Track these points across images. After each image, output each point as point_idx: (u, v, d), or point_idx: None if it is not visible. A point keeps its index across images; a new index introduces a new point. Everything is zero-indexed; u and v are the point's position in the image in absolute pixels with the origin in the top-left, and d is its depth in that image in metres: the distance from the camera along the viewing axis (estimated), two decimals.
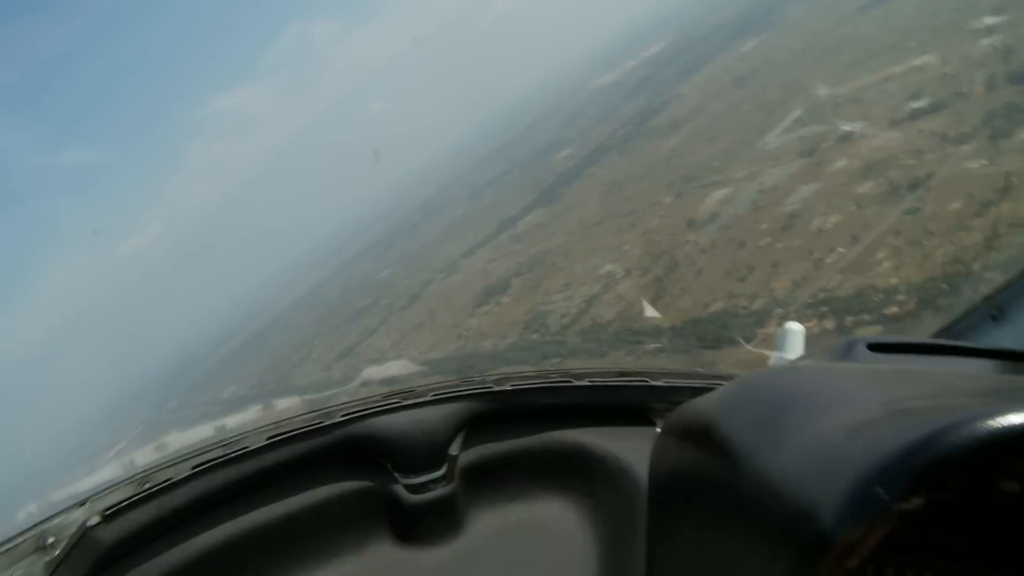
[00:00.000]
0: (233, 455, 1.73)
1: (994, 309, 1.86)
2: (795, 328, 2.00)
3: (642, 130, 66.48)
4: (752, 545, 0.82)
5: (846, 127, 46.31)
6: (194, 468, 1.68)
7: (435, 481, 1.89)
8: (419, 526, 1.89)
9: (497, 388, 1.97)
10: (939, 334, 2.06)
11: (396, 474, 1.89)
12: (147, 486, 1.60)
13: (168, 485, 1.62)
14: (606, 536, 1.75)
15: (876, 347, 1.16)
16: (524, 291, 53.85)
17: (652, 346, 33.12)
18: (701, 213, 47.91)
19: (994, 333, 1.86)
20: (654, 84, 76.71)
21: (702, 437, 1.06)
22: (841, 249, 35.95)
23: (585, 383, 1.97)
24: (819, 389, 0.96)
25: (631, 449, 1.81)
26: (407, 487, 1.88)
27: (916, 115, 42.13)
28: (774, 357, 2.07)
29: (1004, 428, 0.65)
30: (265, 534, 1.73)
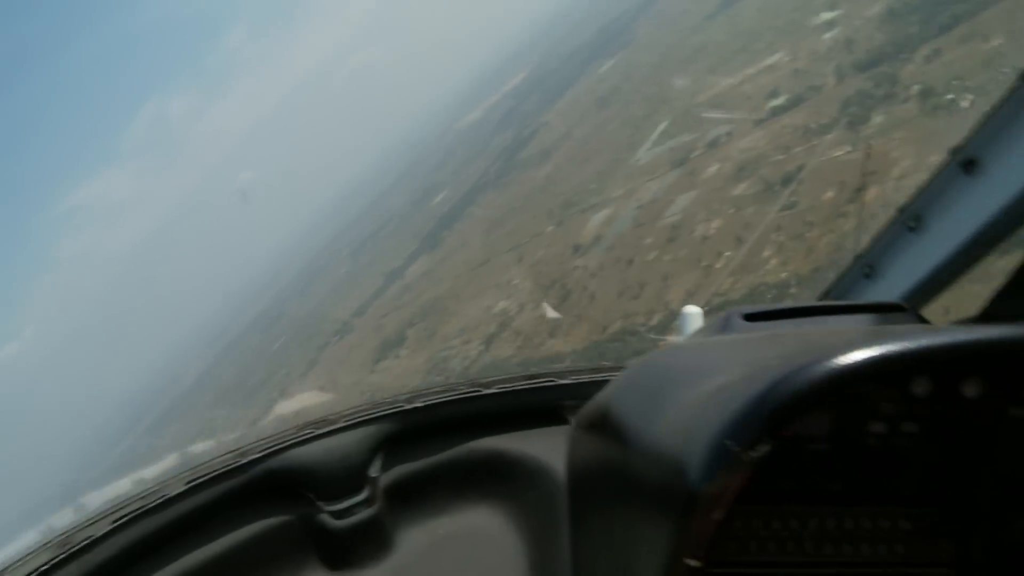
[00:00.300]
0: (152, 505, 1.73)
1: (866, 267, 1.90)
2: (692, 311, 1.94)
3: (514, 163, 67.45)
4: (647, 514, 0.90)
5: (713, 132, 46.93)
6: (114, 523, 1.67)
7: (359, 505, 1.90)
8: (349, 551, 1.90)
9: (409, 406, 2.01)
10: (821, 297, 2.14)
11: (319, 503, 1.89)
12: (67, 547, 1.60)
13: (89, 543, 1.61)
14: (532, 536, 1.82)
15: (752, 316, 1.24)
16: (421, 341, 52.68)
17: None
18: (585, 237, 47.97)
19: (869, 289, 1.93)
20: (519, 116, 78.29)
21: (603, 426, 1.17)
22: (728, 253, 35.86)
23: (495, 390, 2.04)
24: (693, 363, 1.08)
25: (547, 449, 1.88)
26: (332, 514, 1.88)
27: (777, 112, 43.00)
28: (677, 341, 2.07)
29: (839, 369, 0.74)
30: None
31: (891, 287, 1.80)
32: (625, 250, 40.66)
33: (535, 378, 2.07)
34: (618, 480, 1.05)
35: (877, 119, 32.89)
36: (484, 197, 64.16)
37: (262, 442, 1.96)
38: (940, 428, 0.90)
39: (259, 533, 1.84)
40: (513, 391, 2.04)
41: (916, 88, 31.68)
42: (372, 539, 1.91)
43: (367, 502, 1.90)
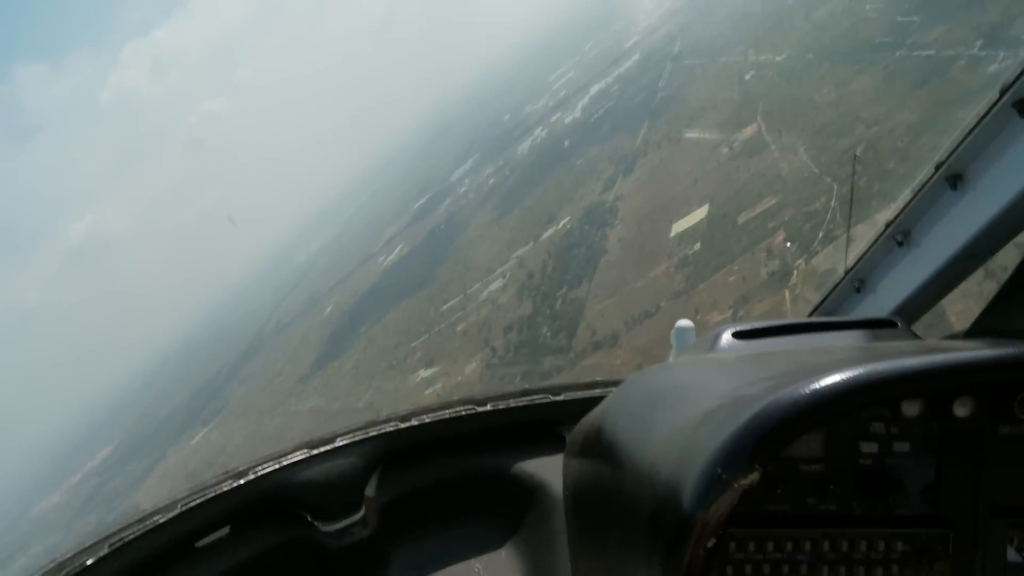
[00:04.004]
0: (149, 528, 1.81)
1: (856, 282, 2.00)
2: (685, 325, 2.11)
3: None
4: (641, 537, 0.95)
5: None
6: (111, 546, 1.76)
7: (355, 525, 1.99)
8: (345, 571, 2.00)
9: (404, 425, 2.10)
10: (812, 312, 2.22)
11: (316, 523, 1.98)
12: (64, 572, 1.70)
13: (86, 568, 1.71)
14: (529, 553, 1.93)
15: (742, 334, 1.34)
16: None
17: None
18: None
19: (860, 304, 2.02)
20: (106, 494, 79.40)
21: (596, 445, 1.23)
22: None
23: (489, 408, 2.13)
24: (684, 382, 1.14)
25: (542, 466, 2.01)
26: (328, 535, 1.97)
27: None
28: (671, 356, 2.18)
29: (828, 393, 0.81)
30: None
31: (882, 301, 1.90)
32: None
33: (530, 395, 2.17)
34: (612, 501, 1.10)
35: None
36: None
37: (258, 462, 2.03)
38: (932, 447, 0.95)
39: (256, 554, 1.93)
40: (508, 409, 2.14)
41: None
42: (369, 559, 2.01)
43: (363, 522, 2.00)
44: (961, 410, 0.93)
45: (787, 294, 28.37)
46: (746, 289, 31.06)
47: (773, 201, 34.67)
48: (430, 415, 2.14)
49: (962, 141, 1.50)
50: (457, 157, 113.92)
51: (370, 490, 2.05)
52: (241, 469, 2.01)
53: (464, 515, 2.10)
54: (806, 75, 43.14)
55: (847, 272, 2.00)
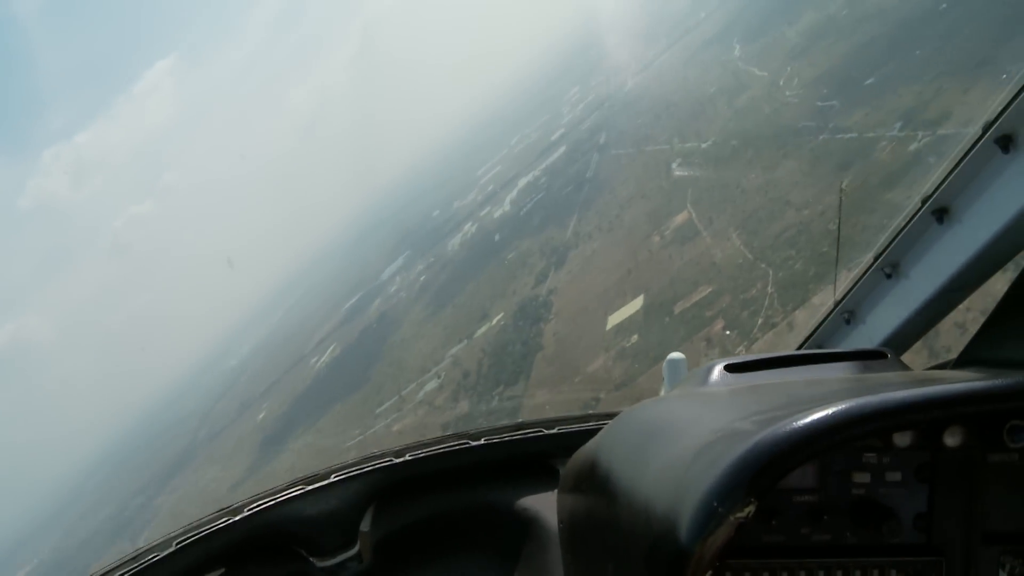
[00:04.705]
0: (142, 566, 1.84)
1: (846, 313, 2.09)
2: (676, 358, 2.17)
3: None
4: (637, 570, 1.00)
5: None
6: None
7: (350, 560, 2.07)
8: None
9: (398, 460, 2.16)
10: (803, 344, 2.30)
11: (311, 559, 2.05)
12: None
13: None
14: None
15: (733, 367, 1.43)
16: None
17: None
18: None
19: (849, 335, 2.11)
20: None
21: (589, 478, 1.30)
22: None
23: (483, 442, 2.20)
24: (677, 416, 1.22)
25: (537, 499, 2.08)
26: (323, 570, 2.05)
27: None
28: (663, 388, 2.25)
29: (820, 427, 0.86)
30: None
31: (871, 332, 2.02)
32: None
33: (523, 428, 2.25)
34: (608, 534, 1.16)
35: None
36: None
37: (252, 498, 2.08)
38: (924, 477, 1.03)
39: None
40: (502, 442, 2.21)
41: None
42: None
43: (358, 557, 2.07)
44: (952, 440, 1.01)
45: None
46: None
47: (709, 289, 35.79)
48: (424, 450, 2.21)
49: (947, 176, 1.62)
50: (387, 255, 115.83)
51: (365, 525, 2.11)
52: (236, 505, 2.05)
53: (459, 549, 2.17)
54: (732, 161, 45.59)
55: (836, 304, 2.12)
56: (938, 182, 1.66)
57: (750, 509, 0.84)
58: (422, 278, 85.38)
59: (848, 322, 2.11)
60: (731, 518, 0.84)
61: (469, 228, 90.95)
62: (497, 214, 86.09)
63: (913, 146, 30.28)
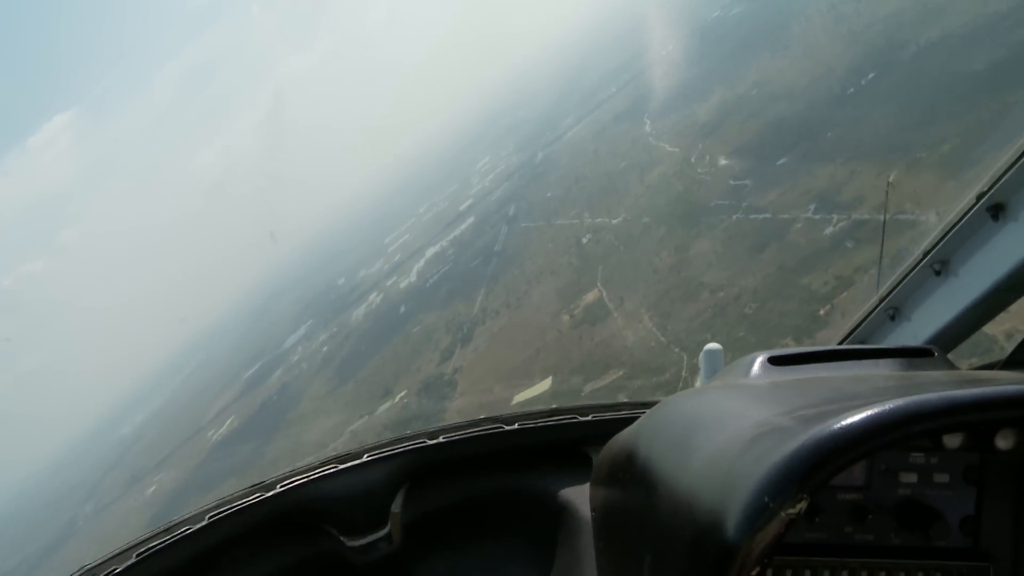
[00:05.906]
0: (175, 538, 1.97)
1: (891, 309, 2.18)
2: (713, 348, 2.24)
3: None
4: (678, 563, 1.04)
5: None
6: (138, 556, 1.92)
7: (381, 540, 2.18)
8: None
9: (432, 441, 2.28)
10: (845, 339, 2.39)
11: (341, 538, 2.16)
12: None
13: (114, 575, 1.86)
14: (555, 574, 2.08)
15: (777, 360, 1.47)
16: None
17: None
18: None
19: (894, 332, 2.21)
20: None
21: (627, 467, 1.35)
22: None
23: (517, 427, 2.32)
24: (721, 408, 1.24)
25: (570, 486, 2.18)
26: (353, 550, 2.15)
27: None
28: (699, 379, 2.29)
29: (873, 425, 0.89)
30: None
31: (917, 330, 2.11)
32: None
33: (557, 415, 2.37)
34: (646, 524, 1.20)
35: None
36: None
37: (284, 475, 2.22)
38: (972, 479, 1.09)
39: (281, 568, 2.13)
40: (535, 428, 2.32)
41: None
42: (393, 575, 2.19)
43: (388, 538, 2.18)
44: (1003, 443, 1.07)
45: None
46: None
47: (620, 372, 36.61)
48: (458, 432, 2.32)
49: (1005, 172, 1.69)
50: (290, 323, 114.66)
51: (396, 506, 2.21)
52: (268, 482, 2.19)
53: (490, 533, 2.29)
54: (644, 238, 47.29)
55: (881, 300, 2.21)
56: (995, 178, 1.73)
57: (802, 506, 0.87)
58: (324, 348, 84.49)
59: (893, 319, 2.20)
60: (782, 514, 0.87)
61: (374, 298, 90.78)
62: (403, 284, 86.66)
63: (828, 230, 32.42)
